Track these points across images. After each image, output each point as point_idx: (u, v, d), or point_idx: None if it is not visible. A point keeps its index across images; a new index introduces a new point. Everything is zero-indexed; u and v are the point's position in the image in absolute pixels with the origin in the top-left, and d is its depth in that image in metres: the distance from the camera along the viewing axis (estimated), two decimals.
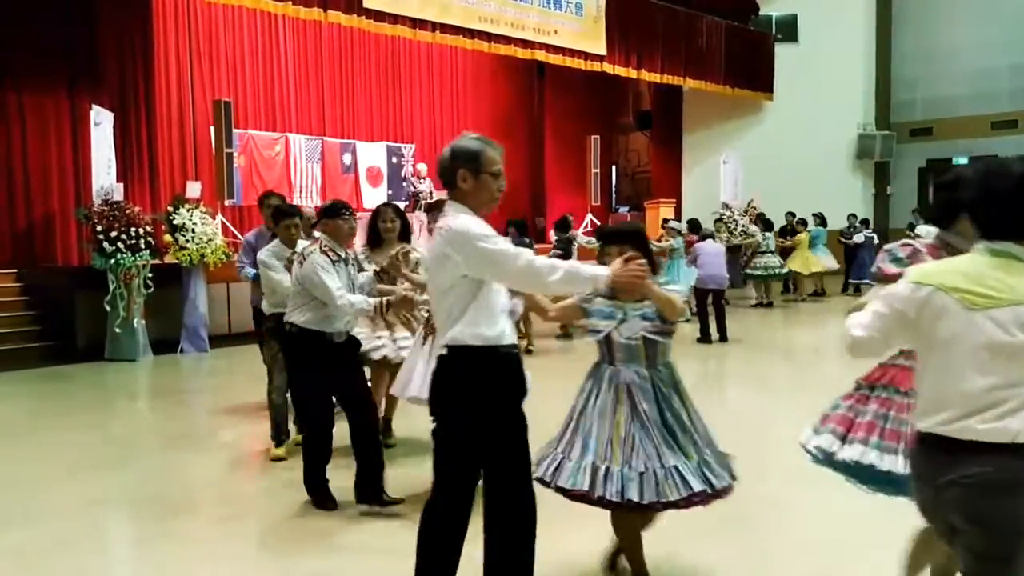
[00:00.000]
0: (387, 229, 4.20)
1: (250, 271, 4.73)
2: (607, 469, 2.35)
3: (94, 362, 7.60)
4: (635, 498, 2.30)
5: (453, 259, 2.16)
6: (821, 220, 12.76)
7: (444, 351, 2.23)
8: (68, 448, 4.74)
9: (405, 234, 4.29)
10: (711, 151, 15.92)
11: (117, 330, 7.64)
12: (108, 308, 7.61)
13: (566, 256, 8.74)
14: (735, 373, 7.40)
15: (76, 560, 3.12)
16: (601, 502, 2.35)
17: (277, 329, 4.10)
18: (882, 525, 3.27)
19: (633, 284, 2.28)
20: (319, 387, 3.47)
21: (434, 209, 3.59)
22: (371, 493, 3.42)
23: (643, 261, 2.29)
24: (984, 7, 14.77)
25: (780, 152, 15.21)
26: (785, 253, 11.77)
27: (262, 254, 4.21)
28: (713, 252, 8.68)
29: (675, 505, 2.35)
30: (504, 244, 2.17)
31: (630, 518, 2.54)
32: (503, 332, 2.23)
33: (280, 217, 4.24)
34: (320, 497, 3.53)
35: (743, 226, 11.82)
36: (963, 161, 15.61)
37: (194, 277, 8.25)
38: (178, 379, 7.33)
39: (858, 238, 12.74)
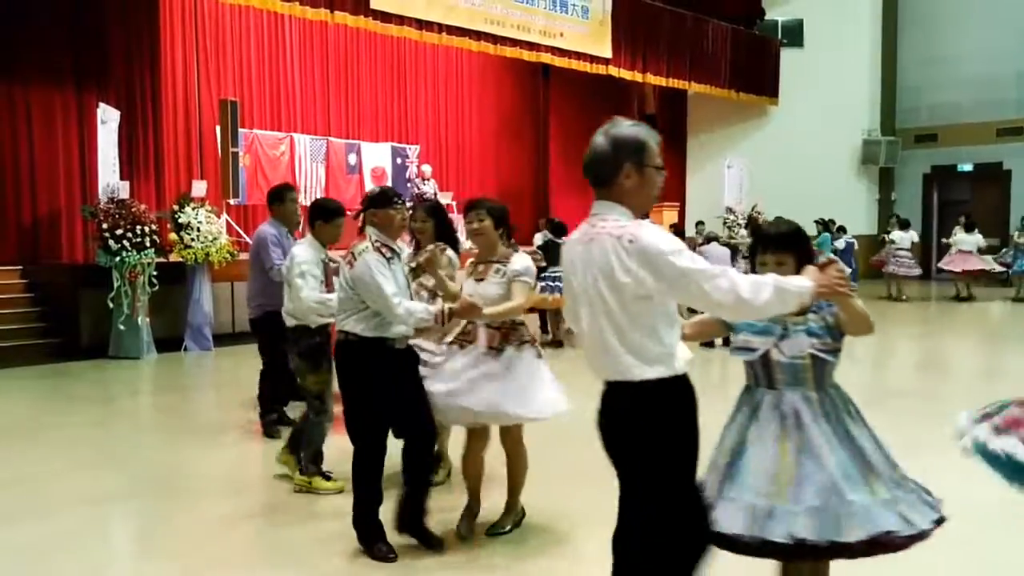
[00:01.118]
0: (417, 230, 3.82)
1: None
2: (771, 507, 1.98)
3: (97, 360, 7.61)
4: (810, 537, 1.93)
5: (634, 277, 1.80)
6: (824, 226, 12.49)
7: (630, 385, 1.86)
8: (71, 445, 4.75)
9: (449, 236, 3.69)
10: (715, 155, 15.93)
11: (121, 328, 7.65)
12: (112, 306, 7.62)
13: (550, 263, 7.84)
14: (737, 377, 7.39)
15: (80, 556, 3.12)
16: (766, 548, 1.98)
17: (323, 347, 3.67)
18: None
19: (836, 294, 1.92)
20: (381, 405, 2.98)
21: (474, 209, 3.13)
22: (412, 523, 3.03)
23: (843, 266, 1.96)
24: (990, 15, 14.76)
25: (784, 157, 15.21)
26: None
27: (303, 258, 3.63)
28: (719, 255, 8.60)
29: (855, 550, 1.96)
30: (703, 261, 1.83)
31: (800, 569, 2.17)
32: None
33: (330, 215, 3.73)
34: (377, 543, 2.98)
35: (742, 232, 11.88)
36: (968, 168, 15.62)
37: (198, 275, 8.27)
38: (182, 377, 7.34)
39: (839, 244, 12.46)
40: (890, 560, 2.65)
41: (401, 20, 10.09)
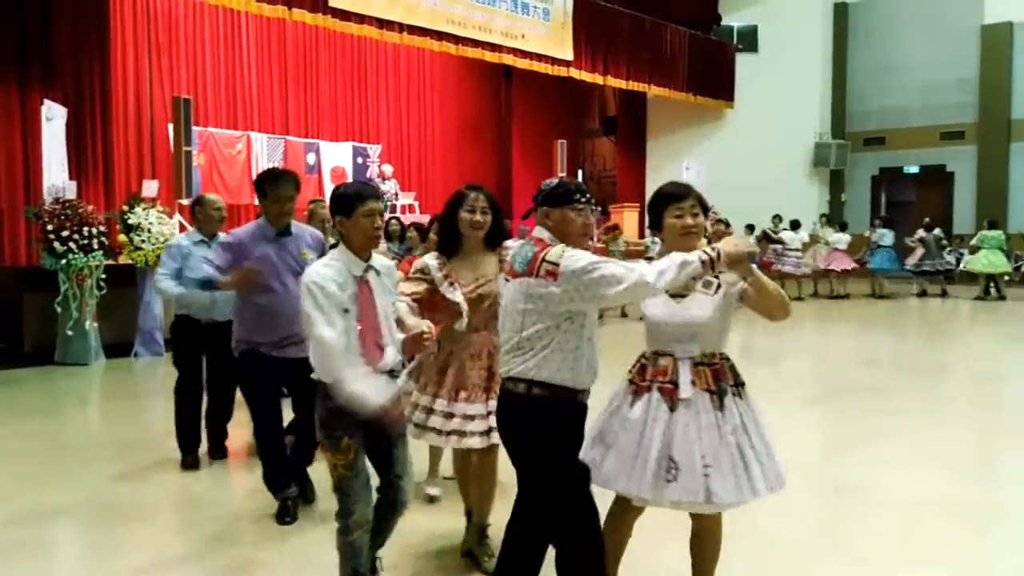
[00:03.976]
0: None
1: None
2: None
3: (43, 366, 7.33)
4: None
5: None
6: (726, 226, 11.97)
7: None
8: (16, 456, 4.56)
9: (495, 237, 2.78)
10: (674, 157, 16.19)
11: (68, 333, 7.39)
12: (59, 310, 7.35)
13: None
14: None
15: (26, 570, 3.00)
16: None
17: (343, 411, 2.28)
18: (846, 524, 3.36)
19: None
20: (567, 476, 2.15)
21: (687, 198, 2.32)
22: None
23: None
24: (934, 25, 15.38)
25: (740, 159, 15.56)
26: None
27: (319, 273, 2.29)
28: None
29: None
30: None
31: None
32: None
33: (352, 202, 2.33)
34: None
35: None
36: (914, 170, 16.22)
37: (149, 279, 8.02)
38: (132, 384, 7.12)
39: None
40: (848, 552, 2.67)
41: (361, 19, 9.98)
